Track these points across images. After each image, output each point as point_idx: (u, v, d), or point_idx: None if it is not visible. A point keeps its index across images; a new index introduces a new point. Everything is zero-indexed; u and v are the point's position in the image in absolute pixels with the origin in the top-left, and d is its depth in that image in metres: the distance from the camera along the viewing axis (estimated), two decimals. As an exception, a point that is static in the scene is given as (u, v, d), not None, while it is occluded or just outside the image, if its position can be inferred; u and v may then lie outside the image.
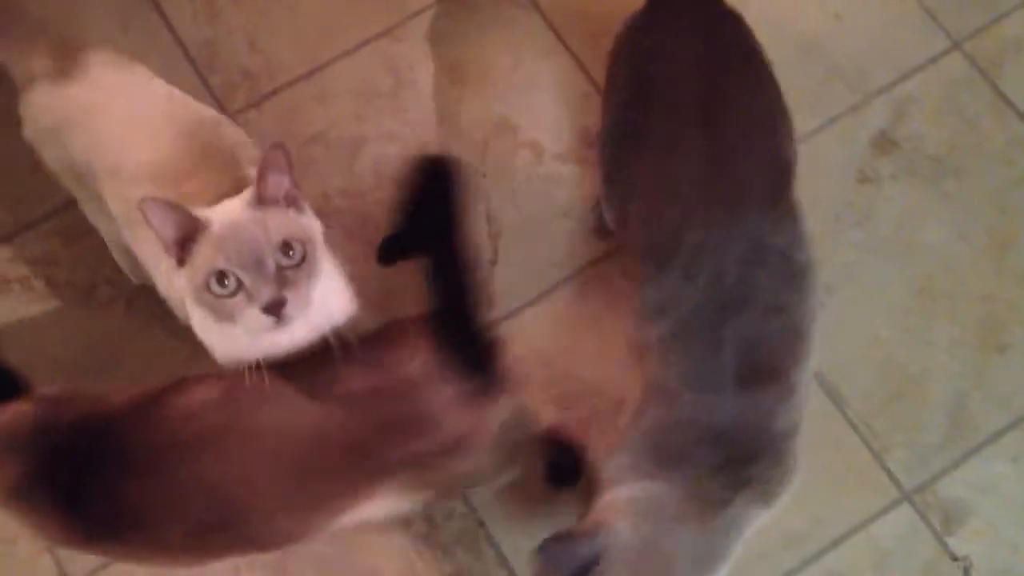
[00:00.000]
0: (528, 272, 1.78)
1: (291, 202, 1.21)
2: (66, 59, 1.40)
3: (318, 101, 1.89)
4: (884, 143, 1.87)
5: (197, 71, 1.91)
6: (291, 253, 1.17)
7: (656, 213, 1.40)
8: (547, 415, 1.69)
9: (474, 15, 1.94)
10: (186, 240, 1.18)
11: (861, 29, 1.94)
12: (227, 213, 1.19)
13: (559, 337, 1.74)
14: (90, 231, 1.80)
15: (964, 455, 1.70)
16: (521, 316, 1.77)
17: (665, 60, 1.45)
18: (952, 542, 1.65)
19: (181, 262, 1.19)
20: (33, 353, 1.72)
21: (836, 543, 1.65)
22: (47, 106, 1.41)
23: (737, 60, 1.46)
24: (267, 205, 1.19)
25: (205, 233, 1.17)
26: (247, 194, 1.20)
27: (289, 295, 1.16)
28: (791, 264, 1.35)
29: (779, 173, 1.41)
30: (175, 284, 1.25)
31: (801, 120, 1.83)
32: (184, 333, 1.72)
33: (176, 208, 1.17)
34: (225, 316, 1.18)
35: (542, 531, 1.27)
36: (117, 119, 1.36)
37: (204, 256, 1.17)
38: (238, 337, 1.24)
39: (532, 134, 1.87)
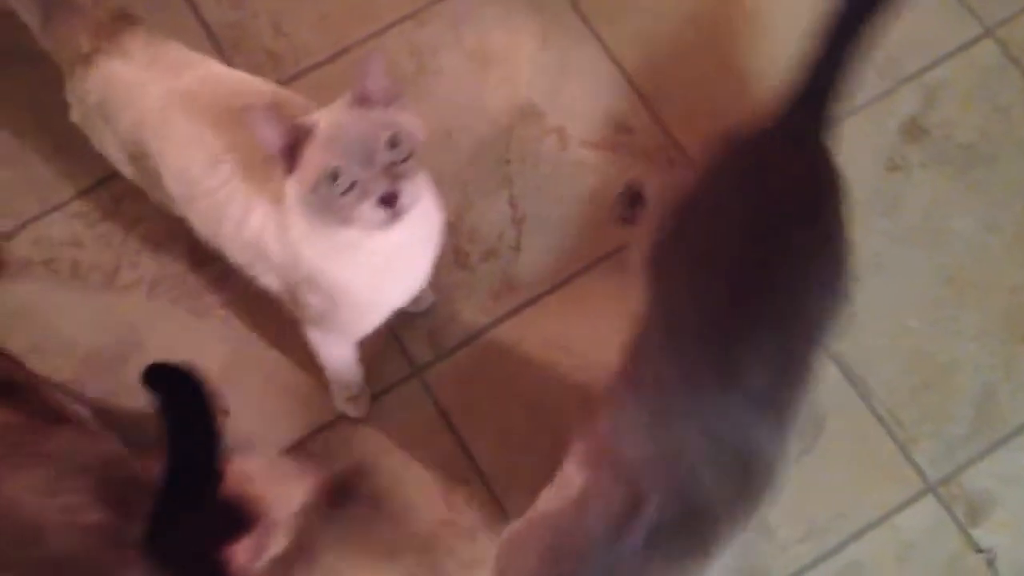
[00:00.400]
0: (551, 258, 1.78)
1: (391, 100, 1.23)
2: (110, 39, 1.43)
3: (342, 85, 1.86)
4: (914, 130, 1.85)
5: (221, 53, 1.91)
6: (399, 148, 1.19)
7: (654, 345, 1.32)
8: (570, 404, 1.68)
9: (500, 0, 1.92)
10: (291, 148, 1.21)
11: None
12: (331, 116, 1.22)
13: (583, 323, 1.73)
14: (114, 214, 1.81)
15: (991, 446, 1.68)
16: (544, 302, 1.76)
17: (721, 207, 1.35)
18: (977, 534, 1.64)
19: (290, 170, 1.22)
20: (56, 335, 1.73)
21: (859, 535, 1.64)
22: (93, 88, 1.43)
23: (798, 226, 1.32)
24: (370, 104, 1.21)
25: (311, 137, 1.20)
26: (347, 97, 1.23)
27: (401, 187, 1.18)
28: (748, 465, 1.25)
29: (782, 380, 1.27)
30: (289, 196, 1.25)
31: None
32: (204, 316, 1.75)
33: (280, 116, 1.20)
34: (338, 216, 1.20)
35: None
36: (163, 94, 1.39)
37: (315, 158, 1.19)
38: (349, 250, 1.27)
39: (558, 120, 1.86)
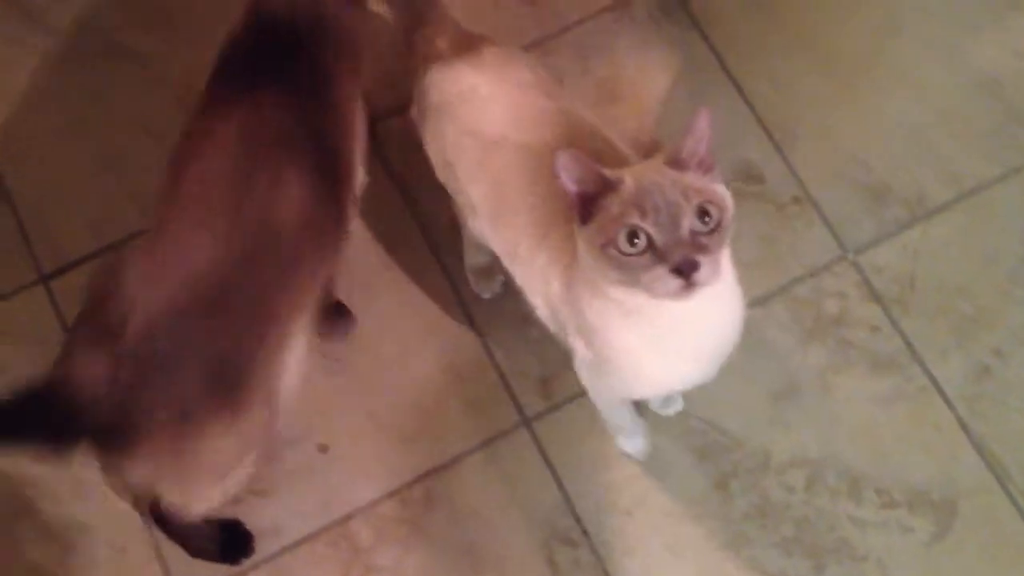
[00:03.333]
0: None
1: (706, 169, 1.18)
2: (464, 45, 1.44)
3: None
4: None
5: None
6: (707, 219, 1.13)
7: None
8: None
9: (632, 33, 1.83)
10: (591, 197, 1.17)
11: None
12: (641, 173, 1.17)
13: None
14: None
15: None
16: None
17: None
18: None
19: (584, 219, 1.18)
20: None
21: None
22: (437, 85, 1.43)
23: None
24: (683, 168, 1.16)
25: (616, 191, 1.16)
26: (660, 157, 1.19)
27: (702, 260, 1.11)
28: None
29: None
30: (580, 246, 1.21)
31: (977, 167, 1.72)
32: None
33: (588, 163, 1.16)
34: (628, 277, 1.15)
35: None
36: (497, 104, 1.39)
37: (615, 212, 1.14)
38: (630, 316, 1.22)
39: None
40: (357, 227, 1.72)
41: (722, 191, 1.17)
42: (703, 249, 1.12)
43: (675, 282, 1.11)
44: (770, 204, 1.75)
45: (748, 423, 1.64)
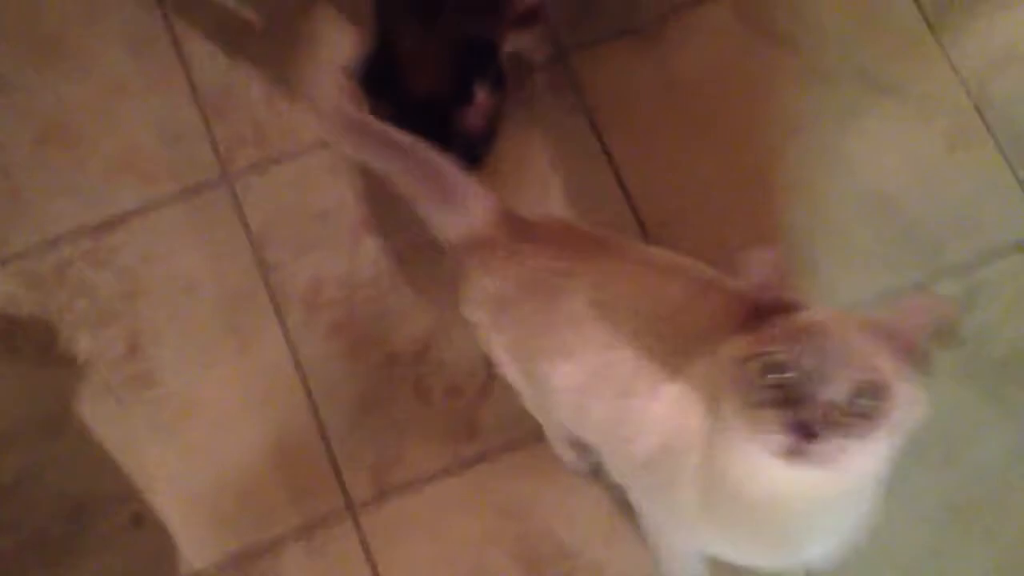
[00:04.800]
0: (522, 409, 1.59)
1: (905, 356, 0.97)
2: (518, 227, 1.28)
3: (330, 173, 1.72)
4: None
5: (204, 117, 1.74)
6: (861, 400, 0.94)
7: None
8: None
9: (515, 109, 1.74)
10: (761, 310, 1.01)
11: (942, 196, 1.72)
12: (830, 314, 1.00)
13: (541, 491, 1.58)
14: (59, 280, 1.66)
15: None
16: (503, 460, 1.59)
17: None
18: None
19: (744, 327, 1.02)
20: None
21: None
22: (489, 287, 1.27)
23: None
24: (882, 339, 0.97)
25: (790, 316, 0.99)
26: (864, 317, 1.01)
27: (826, 436, 0.93)
28: None
29: None
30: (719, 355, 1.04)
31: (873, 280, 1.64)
32: (140, 409, 1.59)
33: (780, 267, 1.00)
34: (739, 404, 0.97)
35: None
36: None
37: (774, 333, 0.98)
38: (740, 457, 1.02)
39: (555, 253, 1.68)
40: (210, 290, 1.64)
41: (906, 391, 0.96)
42: (841, 426, 0.94)
43: (782, 440, 0.94)
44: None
45: None
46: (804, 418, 0.93)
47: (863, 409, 0.94)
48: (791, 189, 1.70)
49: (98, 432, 1.60)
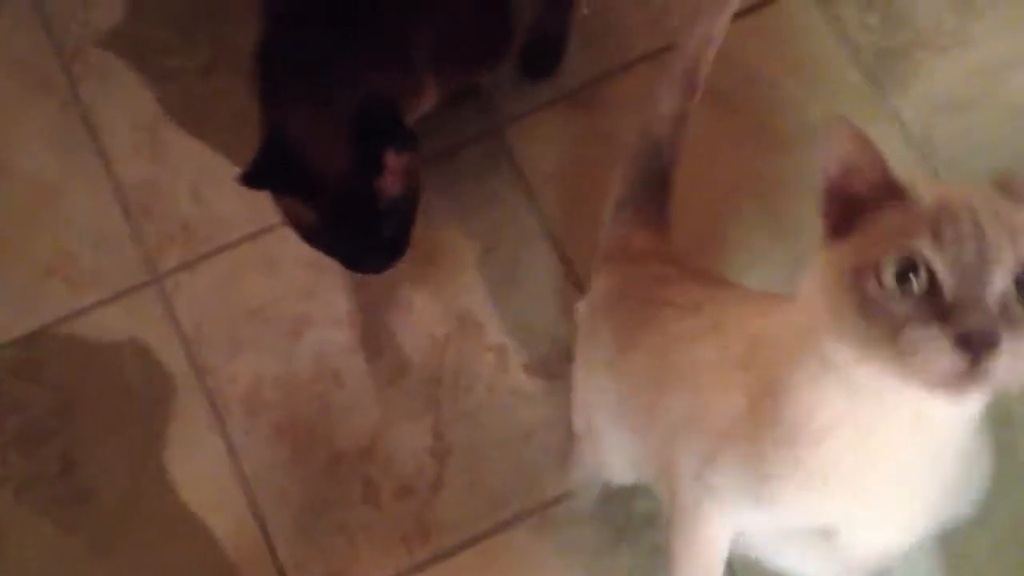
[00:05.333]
0: (475, 505, 1.54)
1: None
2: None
3: (263, 269, 1.66)
4: None
5: (129, 216, 1.68)
6: None
7: None
8: None
9: (451, 207, 1.69)
10: (856, 204, 0.81)
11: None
12: (949, 189, 0.80)
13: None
14: None
15: None
16: (460, 558, 1.52)
17: None
18: None
19: (836, 233, 0.83)
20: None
21: None
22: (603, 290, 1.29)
23: None
24: (1020, 201, 0.79)
25: (900, 203, 0.79)
26: (988, 181, 0.82)
27: (1008, 338, 0.72)
28: None
29: None
30: (815, 274, 0.85)
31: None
32: (79, 528, 1.53)
33: (871, 145, 0.80)
34: (876, 332, 0.76)
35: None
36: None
37: (895, 229, 0.77)
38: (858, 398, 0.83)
39: (500, 337, 1.62)
40: (145, 398, 1.58)
41: None
42: (1015, 323, 0.73)
43: (955, 359, 0.72)
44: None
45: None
46: (976, 326, 0.72)
47: None
48: (740, 252, 1.66)
49: (33, 555, 1.53)
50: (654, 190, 1.37)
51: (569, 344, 1.60)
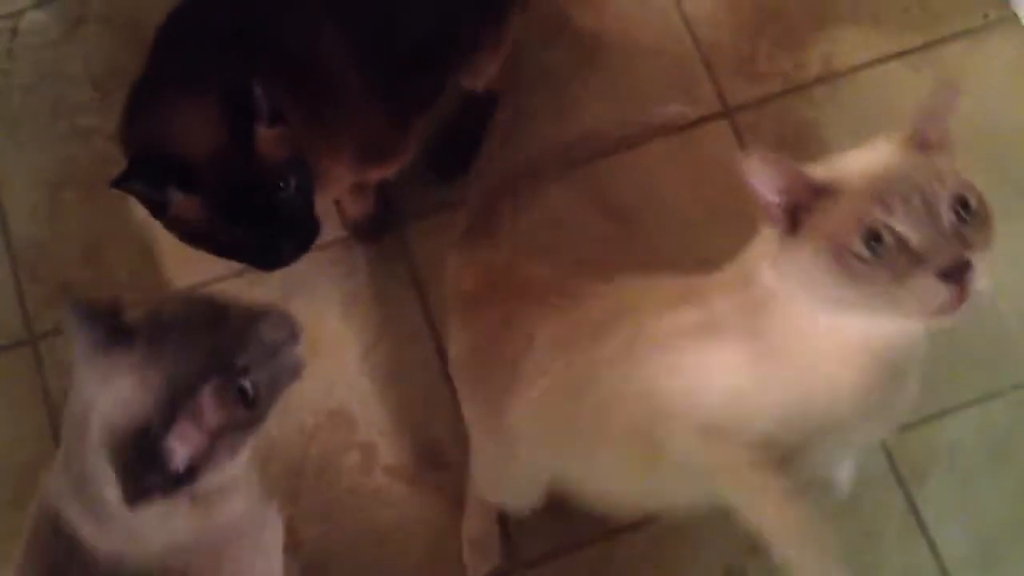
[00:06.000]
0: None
1: (945, 149, 0.98)
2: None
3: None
4: None
5: (15, 276, 1.66)
6: (967, 210, 0.92)
7: None
8: None
9: (344, 280, 1.67)
10: (796, 208, 0.96)
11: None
12: (869, 158, 0.98)
13: None
14: None
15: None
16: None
17: None
18: None
19: (791, 230, 0.97)
20: None
21: None
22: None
23: None
24: (929, 150, 0.97)
25: (833, 193, 0.95)
26: (898, 138, 0.98)
27: (974, 259, 0.90)
28: None
29: None
30: (784, 267, 0.99)
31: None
32: None
33: (788, 165, 0.95)
34: (866, 294, 0.93)
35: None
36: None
37: (845, 213, 0.93)
38: (851, 346, 1.00)
39: (369, 435, 1.59)
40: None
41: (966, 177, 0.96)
42: (972, 247, 0.91)
43: (943, 290, 0.90)
44: (448, 497, 1.57)
45: None
46: (950, 259, 0.90)
47: (973, 219, 0.92)
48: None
49: None
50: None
51: (438, 449, 1.57)
